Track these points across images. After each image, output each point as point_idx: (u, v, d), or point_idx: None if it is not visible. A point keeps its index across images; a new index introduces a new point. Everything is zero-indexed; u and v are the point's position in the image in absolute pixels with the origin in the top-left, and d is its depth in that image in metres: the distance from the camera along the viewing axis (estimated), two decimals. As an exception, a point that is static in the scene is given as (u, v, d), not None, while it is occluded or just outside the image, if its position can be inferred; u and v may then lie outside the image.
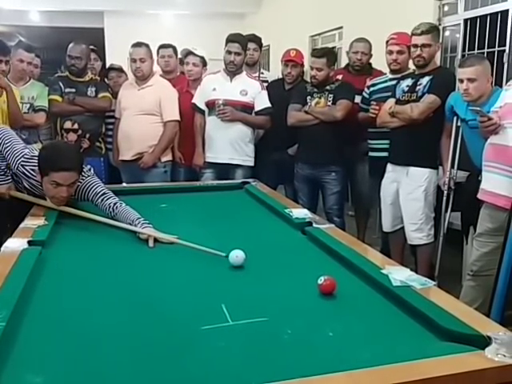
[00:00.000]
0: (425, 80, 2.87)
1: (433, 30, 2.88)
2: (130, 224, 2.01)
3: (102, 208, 2.15)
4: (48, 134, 3.58)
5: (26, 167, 2.24)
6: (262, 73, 3.92)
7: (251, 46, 3.72)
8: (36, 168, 2.14)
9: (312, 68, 3.32)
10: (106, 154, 3.68)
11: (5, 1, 7.44)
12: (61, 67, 3.68)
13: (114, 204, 2.13)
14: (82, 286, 1.48)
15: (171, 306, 1.35)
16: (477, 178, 2.56)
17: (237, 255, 1.62)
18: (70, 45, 3.56)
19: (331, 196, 3.38)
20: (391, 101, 3.01)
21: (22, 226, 1.93)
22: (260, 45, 3.82)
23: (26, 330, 1.19)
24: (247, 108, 3.38)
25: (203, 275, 1.59)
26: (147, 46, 3.44)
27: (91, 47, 3.75)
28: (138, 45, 3.42)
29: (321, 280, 1.41)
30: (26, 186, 2.29)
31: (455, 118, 2.80)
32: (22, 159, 2.25)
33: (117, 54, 6.16)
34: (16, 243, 1.70)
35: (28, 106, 3.32)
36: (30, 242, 1.72)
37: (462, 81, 2.57)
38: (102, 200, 2.16)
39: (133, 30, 7.63)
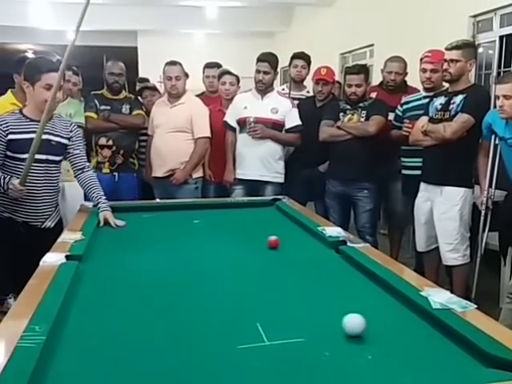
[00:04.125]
0: (458, 99, 2.82)
1: (464, 46, 2.82)
2: (90, 191, 2.45)
3: (72, 162, 2.52)
4: (86, 150, 3.66)
5: None
6: (308, 91, 3.91)
7: (299, 62, 3.79)
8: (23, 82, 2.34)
9: (350, 85, 3.31)
10: (140, 169, 3.74)
11: (43, 22, 7.73)
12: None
13: (82, 169, 2.53)
14: (118, 302, 1.49)
15: (207, 325, 1.34)
16: (515, 198, 2.49)
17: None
18: (109, 63, 3.65)
19: (363, 214, 3.34)
20: (424, 119, 2.97)
21: (59, 240, 1.97)
22: (309, 62, 3.85)
23: (65, 343, 1.20)
24: (278, 126, 3.40)
25: (239, 294, 1.57)
26: (181, 64, 3.50)
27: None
28: (172, 63, 3.48)
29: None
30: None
31: (493, 136, 2.75)
32: None
33: (149, 72, 6.30)
34: (54, 258, 1.73)
35: (65, 122, 3.41)
36: (67, 257, 1.75)
37: (498, 97, 2.52)
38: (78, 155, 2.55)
39: (165, 48, 7.81)
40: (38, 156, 2.33)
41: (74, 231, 2.07)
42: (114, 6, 7.99)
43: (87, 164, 2.59)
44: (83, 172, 2.53)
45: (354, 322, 1.24)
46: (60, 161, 2.51)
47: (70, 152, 2.52)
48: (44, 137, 2.35)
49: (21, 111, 2.41)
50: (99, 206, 2.39)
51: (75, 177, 2.57)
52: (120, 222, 2.32)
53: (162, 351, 1.19)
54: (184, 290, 1.61)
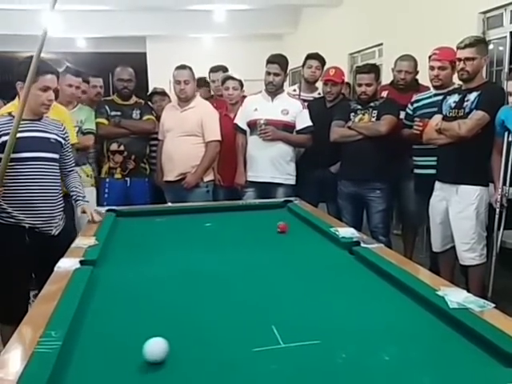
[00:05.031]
0: (472, 96, 2.78)
1: (477, 43, 2.80)
2: (72, 190, 2.54)
3: (62, 164, 2.51)
4: (96, 156, 3.69)
5: None
6: (319, 93, 3.90)
7: (313, 63, 3.80)
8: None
9: (360, 85, 3.30)
10: (151, 174, 3.76)
11: (53, 30, 7.82)
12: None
13: (70, 171, 2.57)
14: (132, 306, 1.50)
15: (222, 328, 1.34)
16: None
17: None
18: (118, 69, 3.67)
19: (376, 214, 3.32)
20: (438, 117, 2.94)
21: (73, 245, 1.98)
22: (323, 63, 3.85)
23: (81, 348, 1.21)
24: (288, 127, 3.39)
25: (252, 297, 1.57)
26: (190, 68, 3.52)
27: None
28: (182, 67, 3.50)
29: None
30: None
31: (506, 133, 2.71)
32: None
33: (159, 77, 6.34)
34: (68, 263, 1.74)
35: (76, 129, 3.43)
36: (81, 262, 1.76)
37: (511, 94, 2.50)
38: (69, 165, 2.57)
39: (174, 53, 7.84)
40: (41, 154, 2.35)
41: (88, 236, 2.09)
42: (122, 13, 8.04)
43: (74, 167, 2.66)
44: (71, 174, 2.58)
45: (154, 348, 1.14)
46: (59, 159, 2.50)
47: (63, 154, 2.51)
48: (41, 135, 2.36)
49: (9, 114, 2.37)
50: (78, 202, 2.52)
51: (62, 179, 2.55)
52: (97, 217, 2.43)
53: (178, 355, 1.19)
54: (198, 293, 1.60)
